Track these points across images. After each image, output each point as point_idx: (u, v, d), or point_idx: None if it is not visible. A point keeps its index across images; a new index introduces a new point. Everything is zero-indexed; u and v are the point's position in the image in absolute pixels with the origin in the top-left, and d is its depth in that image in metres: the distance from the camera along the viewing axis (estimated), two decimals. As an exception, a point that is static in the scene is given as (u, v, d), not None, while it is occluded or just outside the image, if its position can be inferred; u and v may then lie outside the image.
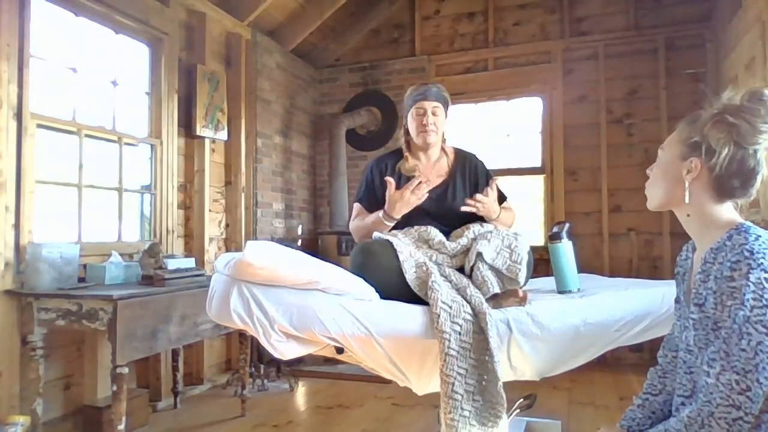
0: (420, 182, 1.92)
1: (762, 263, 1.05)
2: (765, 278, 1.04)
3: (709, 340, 1.12)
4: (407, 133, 2.16)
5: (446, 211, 2.04)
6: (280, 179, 4.74)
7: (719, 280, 1.10)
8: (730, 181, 1.16)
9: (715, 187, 1.17)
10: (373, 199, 2.10)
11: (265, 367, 3.88)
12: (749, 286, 1.04)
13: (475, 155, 2.23)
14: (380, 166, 2.17)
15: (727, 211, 1.19)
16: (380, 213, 1.98)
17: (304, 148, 5.16)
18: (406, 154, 2.15)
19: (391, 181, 1.95)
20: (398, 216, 1.95)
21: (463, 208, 1.95)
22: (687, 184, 1.19)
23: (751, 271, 1.05)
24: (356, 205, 2.16)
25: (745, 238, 1.09)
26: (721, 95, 1.19)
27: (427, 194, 1.94)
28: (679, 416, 1.12)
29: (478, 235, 1.90)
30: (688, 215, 1.22)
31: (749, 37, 3.29)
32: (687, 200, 1.19)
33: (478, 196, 1.95)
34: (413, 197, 1.91)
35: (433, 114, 2.07)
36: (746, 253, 1.06)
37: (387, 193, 1.95)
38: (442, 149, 2.19)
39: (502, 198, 2.12)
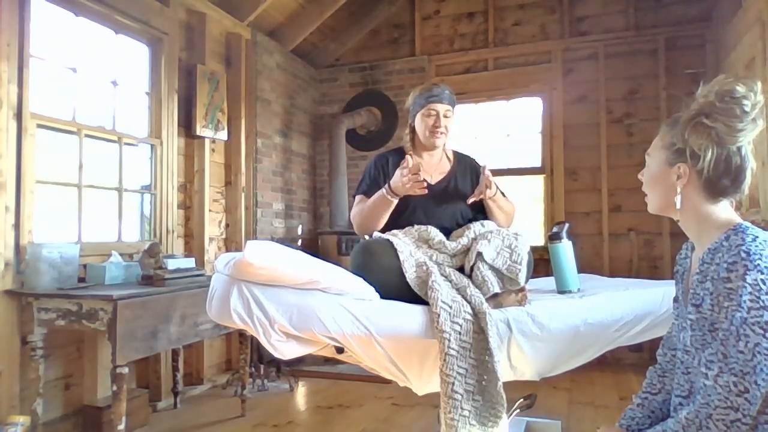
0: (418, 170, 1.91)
1: (758, 264, 1.04)
2: (762, 279, 1.04)
3: (706, 341, 1.12)
4: (413, 131, 2.17)
5: (447, 207, 2.05)
6: (280, 179, 4.74)
7: (716, 281, 1.09)
8: (720, 182, 1.15)
9: (706, 189, 1.17)
10: (375, 191, 2.09)
11: (265, 367, 3.88)
12: (746, 287, 1.04)
13: (473, 159, 2.27)
14: (383, 161, 2.18)
15: (724, 211, 1.18)
16: (384, 188, 1.97)
17: (304, 148, 5.16)
18: (410, 153, 2.15)
19: (408, 157, 1.93)
20: (398, 193, 1.93)
21: (473, 197, 2.00)
22: (679, 190, 1.19)
23: (747, 272, 1.04)
24: (358, 197, 2.15)
25: (742, 239, 1.09)
26: (696, 93, 1.18)
27: (426, 189, 1.93)
28: (677, 417, 1.12)
29: (478, 235, 1.90)
30: (683, 219, 1.22)
31: (749, 37, 3.29)
32: (679, 206, 1.19)
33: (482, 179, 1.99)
34: (407, 179, 1.88)
35: (445, 117, 2.09)
36: (743, 255, 1.06)
37: (400, 169, 1.92)
38: (443, 150, 2.21)
39: (502, 193, 2.14)
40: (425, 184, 1.91)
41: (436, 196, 2.07)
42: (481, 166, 2.07)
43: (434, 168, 2.15)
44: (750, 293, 1.04)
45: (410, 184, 1.87)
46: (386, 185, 1.96)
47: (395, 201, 1.97)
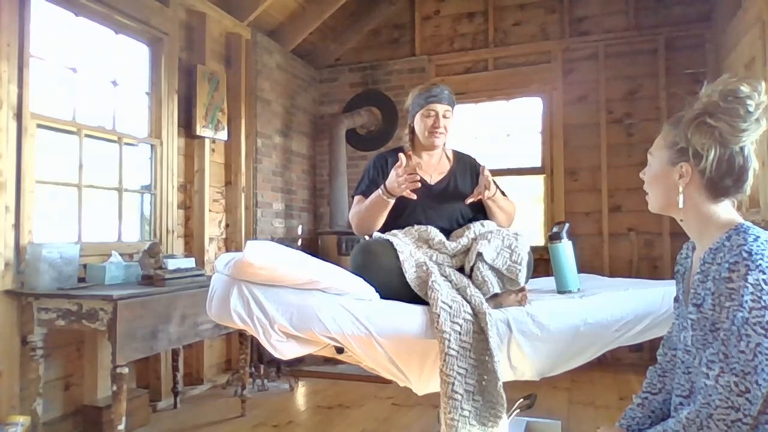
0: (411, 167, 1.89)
1: (760, 264, 1.04)
2: (763, 279, 1.03)
3: (707, 340, 1.12)
4: (412, 131, 2.17)
5: (447, 207, 2.05)
6: (280, 179, 4.74)
7: (717, 281, 1.09)
8: (722, 182, 1.15)
9: (708, 189, 1.17)
10: (374, 191, 2.09)
11: (265, 367, 3.88)
12: (747, 287, 1.04)
13: (473, 157, 2.27)
14: (381, 161, 2.18)
15: (725, 211, 1.18)
16: (380, 188, 1.96)
17: (304, 148, 5.16)
18: (409, 152, 2.15)
19: (402, 156, 1.93)
20: (393, 193, 1.92)
21: (471, 199, 1.99)
22: (681, 189, 1.19)
23: (749, 272, 1.04)
24: (356, 197, 2.15)
25: (743, 239, 1.08)
26: (700, 93, 1.17)
27: (419, 184, 1.92)
28: (677, 417, 1.12)
29: (478, 235, 1.90)
30: (685, 218, 1.22)
31: (749, 37, 3.29)
32: (681, 205, 1.19)
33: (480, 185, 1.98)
34: (402, 180, 1.87)
35: (444, 117, 2.08)
36: (744, 255, 1.06)
37: (394, 169, 1.92)
38: (443, 150, 2.21)
39: (502, 192, 2.15)
40: (419, 185, 1.90)
41: (435, 196, 2.07)
42: (480, 166, 2.07)
43: (434, 168, 2.15)
44: (752, 293, 1.03)
45: (405, 184, 1.87)
46: (382, 185, 1.96)
47: (391, 201, 1.96)
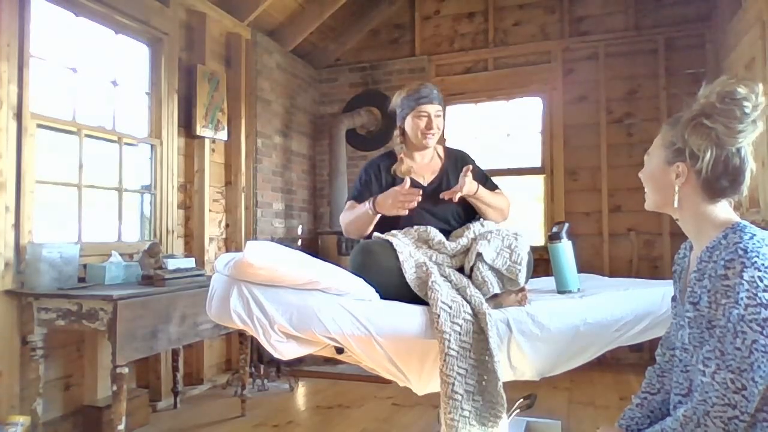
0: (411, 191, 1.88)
1: (756, 262, 1.05)
2: (759, 276, 1.04)
3: (703, 338, 1.12)
4: (403, 133, 2.17)
5: (441, 206, 2.04)
6: (280, 179, 4.74)
7: (713, 279, 1.10)
8: (719, 182, 1.16)
9: (705, 189, 1.17)
10: (366, 197, 2.09)
11: (265, 367, 3.88)
12: (743, 284, 1.04)
13: (463, 151, 2.26)
14: (374, 167, 2.17)
15: (723, 211, 1.19)
16: (368, 203, 1.97)
17: (304, 148, 5.16)
18: (401, 155, 2.14)
19: (407, 180, 1.92)
20: (381, 212, 1.93)
21: (444, 195, 1.96)
22: (676, 189, 1.19)
23: (744, 269, 1.05)
24: (349, 203, 2.15)
25: (739, 237, 1.09)
26: (698, 94, 1.18)
27: (415, 204, 1.90)
28: (675, 415, 1.12)
29: (478, 235, 1.90)
30: (681, 218, 1.23)
31: (749, 37, 3.29)
32: (676, 204, 1.20)
33: (455, 187, 1.96)
34: (399, 205, 1.88)
35: (436, 116, 2.09)
36: (740, 252, 1.06)
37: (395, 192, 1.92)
38: (434, 148, 2.21)
39: (493, 187, 2.15)
40: (415, 204, 1.88)
41: (429, 196, 2.05)
42: (466, 165, 2.04)
43: (426, 168, 2.15)
44: (747, 290, 1.04)
45: (402, 204, 1.85)
46: (370, 201, 1.95)
47: (377, 217, 1.96)
